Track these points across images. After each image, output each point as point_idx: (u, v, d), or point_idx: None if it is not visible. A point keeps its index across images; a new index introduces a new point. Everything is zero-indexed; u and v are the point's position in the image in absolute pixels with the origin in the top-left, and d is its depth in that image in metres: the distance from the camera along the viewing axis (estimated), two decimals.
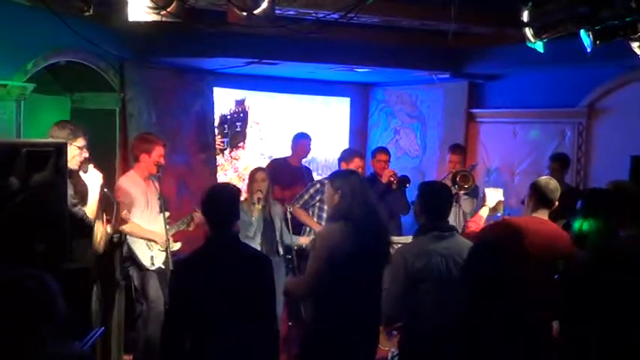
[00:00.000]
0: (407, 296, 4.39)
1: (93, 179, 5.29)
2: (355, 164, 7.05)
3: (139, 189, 6.17)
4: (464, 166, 7.74)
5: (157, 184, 6.17)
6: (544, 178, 5.20)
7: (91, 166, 5.32)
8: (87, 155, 5.38)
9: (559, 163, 7.27)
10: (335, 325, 4.52)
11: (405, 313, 4.50)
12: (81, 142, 5.33)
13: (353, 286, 4.51)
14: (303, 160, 8.56)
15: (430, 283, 4.36)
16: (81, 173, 5.27)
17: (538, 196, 4.94)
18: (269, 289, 4.09)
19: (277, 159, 8.57)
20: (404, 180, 7.33)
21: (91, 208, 5.21)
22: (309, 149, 8.39)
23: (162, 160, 6.22)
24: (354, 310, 4.51)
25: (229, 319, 3.87)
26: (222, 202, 4.07)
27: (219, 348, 3.87)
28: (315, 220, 7.01)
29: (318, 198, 7.00)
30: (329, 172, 7.29)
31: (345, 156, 7.29)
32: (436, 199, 4.65)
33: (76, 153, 5.25)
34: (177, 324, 3.94)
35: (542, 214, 4.88)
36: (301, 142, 8.28)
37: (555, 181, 5.11)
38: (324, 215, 6.94)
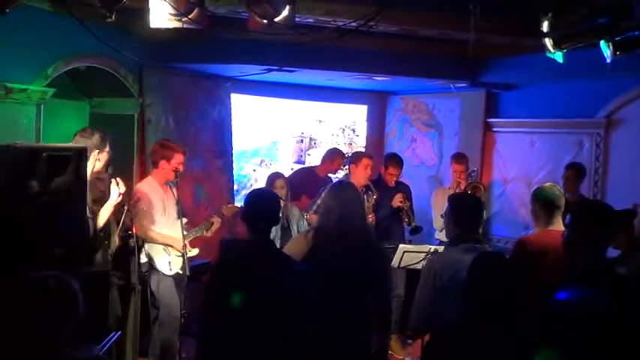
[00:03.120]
0: (434, 306, 4.39)
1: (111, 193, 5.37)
2: (364, 164, 7.14)
3: (156, 195, 6.21)
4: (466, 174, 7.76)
5: (174, 191, 6.20)
6: (547, 185, 5.15)
7: (113, 182, 5.39)
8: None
9: (574, 172, 7.22)
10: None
11: (431, 323, 4.48)
12: (108, 148, 5.41)
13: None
14: None
15: (456, 295, 4.35)
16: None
17: (548, 206, 4.89)
18: (304, 294, 4.12)
19: (304, 168, 8.64)
20: (416, 229, 7.33)
21: (102, 218, 5.25)
22: (341, 168, 8.52)
23: (180, 168, 6.26)
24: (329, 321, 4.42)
25: (262, 318, 3.91)
26: (264, 207, 4.16)
27: (245, 348, 3.92)
28: None
29: None
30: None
31: (353, 159, 7.40)
32: (467, 212, 4.64)
33: (107, 158, 5.33)
34: (213, 321, 4.01)
35: (558, 225, 4.82)
36: (337, 159, 8.38)
37: (558, 186, 5.07)
38: None
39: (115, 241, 5.57)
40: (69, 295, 2.56)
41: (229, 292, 3.94)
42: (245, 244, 4.21)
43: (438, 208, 7.51)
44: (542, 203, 4.90)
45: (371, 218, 6.98)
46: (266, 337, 3.95)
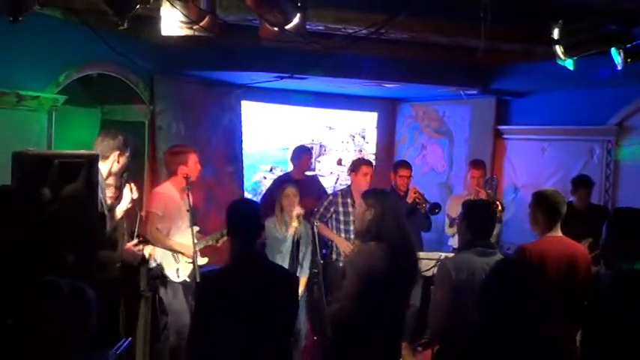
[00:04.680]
0: (450, 307, 4.42)
1: (124, 198, 5.41)
2: (362, 172, 7.22)
3: (174, 201, 6.23)
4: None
5: (190, 197, 6.22)
6: (550, 190, 5.15)
7: (127, 187, 5.44)
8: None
9: (585, 188, 7.17)
10: (356, 340, 4.53)
11: (447, 324, 4.49)
12: (129, 152, 5.54)
13: (380, 303, 4.53)
14: None
15: (468, 297, 4.35)
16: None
17: (549, 212, 4.88)
18: (292, 305, 4.13)
19: (280, 176, 8.61)
20: (434, 206, 7.34)
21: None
22: (312, 163, 8.47)
23: (199, 166, 6.36)
24: (378, 326, 4.53)
25: (250, 332, 3.89)
26: (245, 217, 4.10)
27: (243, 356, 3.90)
28: (335, 232, 7.12)
29: (332, 210, 7.17)
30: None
31: (352, 167, 7.47)
32: (481, 218, 4.71)
33: (124, 162, 5.40)
34: (201, 335, 3.97)
35: (557, 231, 4.82)
36: (304, 156, 8.32)
37: (560, 192, 5.06)
38: (342, 227, 7.12)
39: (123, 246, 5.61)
40: (82, 302, 2.57)
41: (222, 316, 3.91)
42: (226, 265, 4.18)
43: (452, 214, 7.51)
44: (545, 210, 4.89)
45: None
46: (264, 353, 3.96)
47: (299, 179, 7.93)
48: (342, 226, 7.12)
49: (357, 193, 7.04)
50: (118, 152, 5.39)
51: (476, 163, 7.93)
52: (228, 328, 3.88)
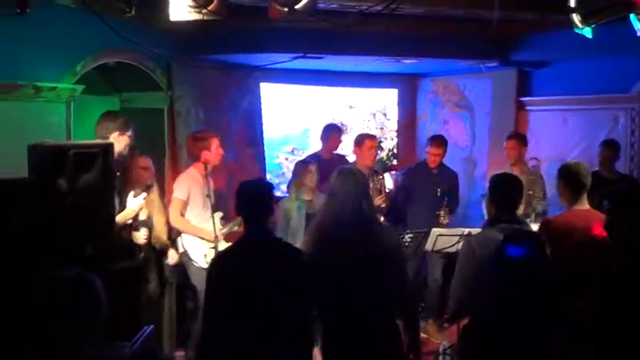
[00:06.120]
0: (473, 286, 4.35)
1: (134, 203, 5.41)
2: (367, 146, 7.20)
3: (197, 186, 6.25)
4: (520, 153, 7.62)
5: (211, 183, 6.25)
6: (573, 163, 5.07)
7: (142, 195, 5.45)
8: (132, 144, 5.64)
9: (609, 150, 7.11)
10: (337, 325, 4.27)
11: (470, 303, 4.44)
12: (131, 131, 5.61)
13: (342, 289, 4.19)
14: None
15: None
16: (130, 195, 5.43)
17: (574, 185, 4.81)
18: (301, 285, 4.06)
19: (311, 154, 8.52)
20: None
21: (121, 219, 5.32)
22: (341, 141, 8.31)
23: (221, 150, 6.40)
24: (352, 311, 4.21)
25: (261, 313, 3.91)
26: (252, 198, 4.12)
27: (252, 342, 3.91)
28: None
29: None
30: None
31: (356, 141, 7.42)
32: (505, 191, 4.59)
33: (126, 142, 5.45)
34: (213, 318, 4.00)
35: (584, 204, 4.75)
36: (333, 135, 8.14)
37: (585, 164, 4.99)
38: None
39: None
40: (87, 293, 2.57)
41: (231, 295, 3.94)
42: (236, 245, 4.18)
43: None
44: (567, 181, 4.84)
45: (381, 201, 6.97)
46: (274, 334, 3.94)
47: (327, 159, 7.89)
48: None
49: (362, 167, 6.99)
50: (117, 133, 5.42)
51: (510, 136, 7.83)
52: (238, 307, 3.91)
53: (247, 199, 4.10)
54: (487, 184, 4.77)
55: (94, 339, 2.55)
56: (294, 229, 6.50)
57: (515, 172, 7.19)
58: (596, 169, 7.00)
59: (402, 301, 4.36)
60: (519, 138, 7.76)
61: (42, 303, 2.53)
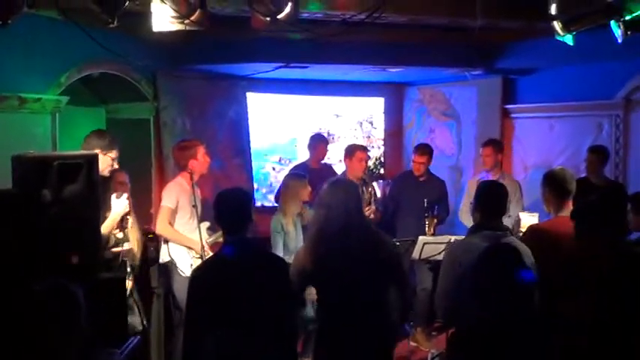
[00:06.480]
0: (455, 294, 4.33)
1: (119, 205, 5.37)
2: (358, 158, 7.24)
3: (185, 196, 6.24)
4: (497, 159, 7.66)
5: (198, 192, 6.25)
6: (558, 169, 5.09)
7: (124, 195, 5.41)
8: (117, 166, 5.51)
9: (597, 156, 7.14)
10: (334, 331, 4.41)
11: (455, 312, 4.44)
12: (115, 153, 5.49)
13: (343, 296, 4.33)
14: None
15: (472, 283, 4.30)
16: (113, 197, 5.36)
17: (559, 191, 4.82)
18: (282, 293, 4.10)
19: (298, 164, 8.58)
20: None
21: (106, 228, 5.27)
22: (327, 151, 8.45)
23: (207, 158, 6.42)
24: (352, 318, 4.34)
25: (246, 321, 3.92)
26: (231, 207, 4.12)
27: (237, 350, 3.91)
28: None
29: None
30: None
31: (347, 152, 7.46)
32: (489, 197, 4.62)
33: (109, 163, 5.38)
34: (195, 326, 4.00)
35: (569, 210, 4.75)
36: (320, 145, 8.33)
37: (570, 171, 5.01)
38: None
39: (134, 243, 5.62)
40: (68, 305, 2.56)
41: (214, 304, 3.94)
42: (215, 256, 4.21)
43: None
44: (553, 187, 4.85)
45: (369, 211, 6.97)
46: (258, 341, 3.94)
47: (315, 168, 7.94)
48: None
49: (352, 178, 7.04)
50: (99, 151, 5.27)
51: (484, 143, 7.88)
52: (222, 315, 3.91)
53: (226, 209, 4.11)
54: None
55: (75, 347, 2.55)
56: (293, 244, 6.33)
57: (492, 178, 7.26)
58: (584, 175, 7.04)
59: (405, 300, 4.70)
60: (495, 144, 7.81)
61: (21, 315, 2.52)
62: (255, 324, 3.93)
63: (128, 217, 5.45)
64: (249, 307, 3.93)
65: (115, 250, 5.41)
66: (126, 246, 5.48)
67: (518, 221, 6.26)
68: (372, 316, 4.35)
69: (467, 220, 7.24)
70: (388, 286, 4.48)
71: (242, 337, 3.91)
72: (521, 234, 5.51)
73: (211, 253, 6.15)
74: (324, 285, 4.40)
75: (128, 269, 5.51)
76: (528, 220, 5.94)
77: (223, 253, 4.12)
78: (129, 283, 5.44)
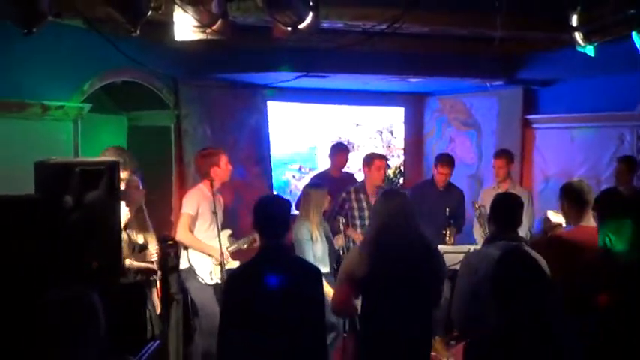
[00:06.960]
0: (471, 302, 4.37)
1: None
2: (376, 166, 7.23)
3: (206, 203, 6.26)
4: (508, 170, 7.66)
5: (221, 200, 6.29)
6: (575, 181, 5.11)
7: (123, 203, 5.43)
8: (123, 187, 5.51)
9: (627, 165, 7.08)
10: (378, 339, 4.59)
11: (470, 320, 4.47)
12: (126, 175, 5.42)
13: (392, 304, 4.56)
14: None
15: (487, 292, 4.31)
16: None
17: (577, 202, 4.82)
18: (318, 300, 4.14)
19: (319, 173, 8.63)
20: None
21: None
22: (347, 159, 8.49)
23: (230, 166, 6.44)
24: (396, 326, 4.54)
25: (279, 327, 3.92)
26: (273, 213, 4.14)
27: (269, 355, 3.93)
28: (350, 228, 7.12)
29: (347, 207, 7.16)
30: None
31: (366, 161, 7.42)
32: (505, 209, 4.67)
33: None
34: (230, 332, 4.00)
35: (589, 221, 4.74)
36: (340, 154, 8.39)
37: (586, 182, 5.00)
38: (357, 222, 7.16)
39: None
40: (86, 311, 2.58)
41: (247, 308, 3.97)
42: (252, 261, 4.22)
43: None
44: (570, 199, 4.85)
45: None
46: (292, 346, 3.97)
47: (336, 177, 7.96)
48: (357, 222, 7.13)
49: (370, 188, 7.06)
50: None
51: (496, 154, 7.87)
52: (254, 324, 3.92)
53: (265, 214, 4.13)
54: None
55: (92, 352, 2.57)
56: (320, 252, 6.34)
57: (503, 189, 7.24)
58: (611, 186, 6.98)
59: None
60: (507, 155, 7.78)
61: (39, 324, 2.55)
62: (288, 329, 3.95)
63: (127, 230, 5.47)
64: (283, 313, 3.95)
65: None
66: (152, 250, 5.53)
67: (547, 219, 6.23)
68: (415, 328, 4.60)
69: (478, 235, 7.29)
70: (431, 295, 4.78)
71: (274, 342, 3.93)
72: (549, 231, 5.62)
73: (233, 261, 6.21)
74: (373, 290, 4.59)
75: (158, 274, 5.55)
76: (555, 219, 5.93)
77: (261, 258, 4.14)
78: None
